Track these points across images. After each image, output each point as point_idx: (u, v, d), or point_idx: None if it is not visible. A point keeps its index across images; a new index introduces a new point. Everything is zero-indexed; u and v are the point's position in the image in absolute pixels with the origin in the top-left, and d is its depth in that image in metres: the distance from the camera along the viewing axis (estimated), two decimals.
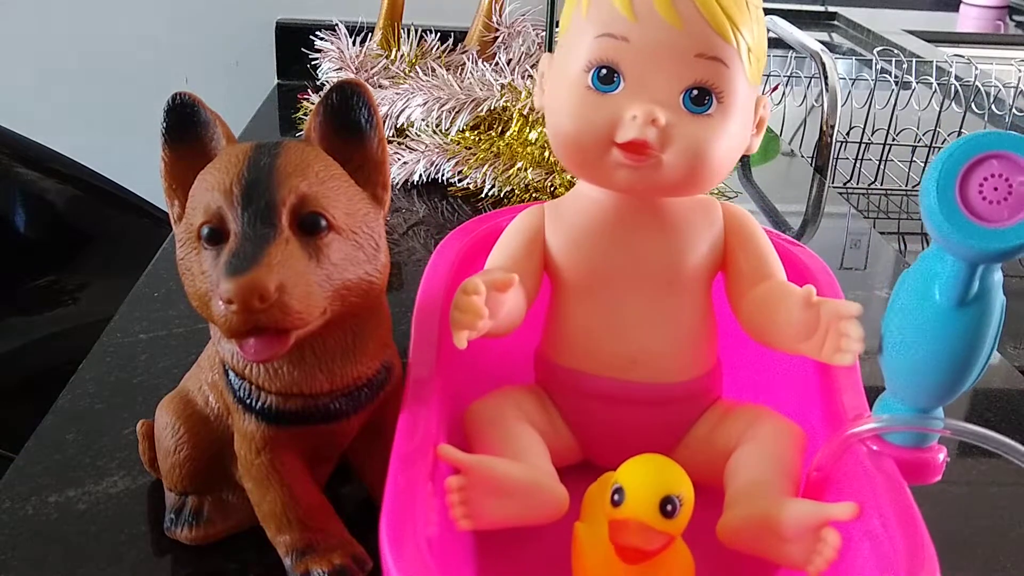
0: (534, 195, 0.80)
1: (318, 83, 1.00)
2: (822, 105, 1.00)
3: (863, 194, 1.14)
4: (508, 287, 0.39)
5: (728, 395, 0.48)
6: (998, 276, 0.35)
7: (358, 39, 0.98)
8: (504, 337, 0.42)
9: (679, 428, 0.46)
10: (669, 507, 0.35)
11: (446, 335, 0.40)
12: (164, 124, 0.38)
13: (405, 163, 0.84)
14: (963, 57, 1.30)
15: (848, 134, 1.14)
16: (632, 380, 0.44)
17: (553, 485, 0.40)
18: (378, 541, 0.33)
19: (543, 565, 0.41)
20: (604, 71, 0.40)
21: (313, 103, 0.65)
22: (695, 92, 0.40)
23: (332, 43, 0.97)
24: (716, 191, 0.83)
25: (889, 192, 1.15)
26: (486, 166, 0.82)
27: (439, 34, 1.01)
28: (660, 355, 0.44)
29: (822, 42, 1.03)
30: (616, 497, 0.35)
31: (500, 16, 0.99)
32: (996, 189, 0.33)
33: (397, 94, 0.87)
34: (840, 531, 0.36)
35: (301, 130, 0.74)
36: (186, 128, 0.38)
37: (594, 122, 0.40)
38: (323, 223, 0.35)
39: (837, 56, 1.21)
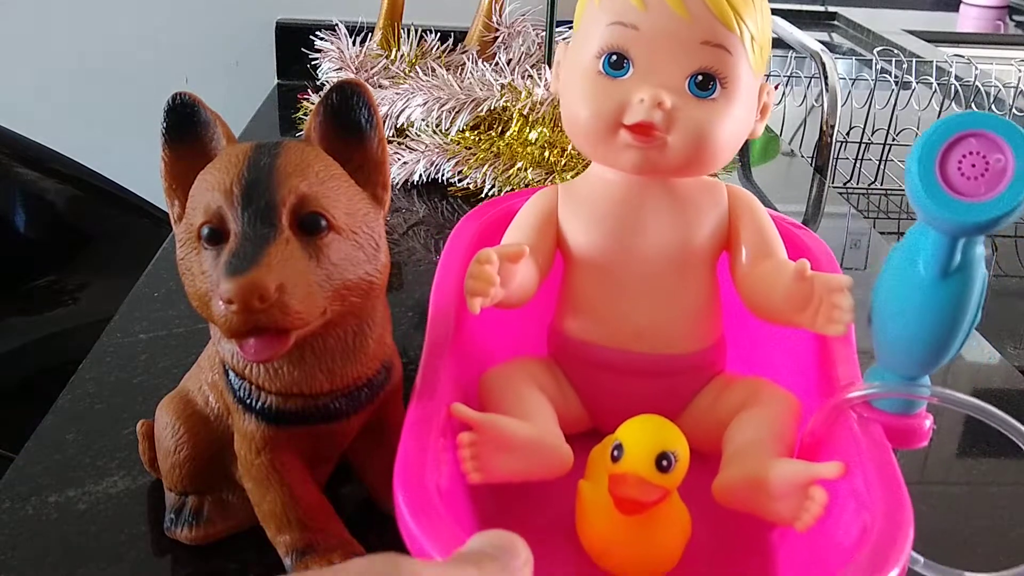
0: None
1: (318, 83, 1.00)
2: (822, 105, 1.00)
3: (863, 194, 1.14)
4: (519, 258, 0.41)
5: (731, 368, 0.50)
6: (980, 250, 0.36)
7: (358, 39, 0.98)
8: (518, 309, 0.44)
9: (683, 398, 0.48)
10: (664, 462, 0.37)
11: (463, 310, 0.42)
12: (164, 124, 0.38)
13: (405, 163, 0.84)
14: (963, 57, 1.30)
15: (848, 134, 1.14)
16: (638, 351, 0.46)
17: (558, 443, 0.42)
18: (389, 517, 0.34)
19: (551, 520, 0.43)
20: (614, 57, 0.43)
21: (313, 103, 0.65)
22: (700, 77, 0.42)
23: (332, 43, 0.97)
24: None
25: (889, 192, 1.14)
26: (486, 166, 0.82)
27: (439, 34, 1.00)
28: (665, 328, 0.46)
29: (822, 42, 1.03)
30: (616, 453, 0.38)
31: (500, 16, 0.99)
32: (974, 166, 0.35)
33: (397, 94, 0.87)
34: (827, 490, 0.37)
35: (301, 130, 0.74)
36: (186, 128, 0.38)
37: (604, 105, 0.43)
38: (323, 223, 0.35)
39: (837, 56, 1.21)
